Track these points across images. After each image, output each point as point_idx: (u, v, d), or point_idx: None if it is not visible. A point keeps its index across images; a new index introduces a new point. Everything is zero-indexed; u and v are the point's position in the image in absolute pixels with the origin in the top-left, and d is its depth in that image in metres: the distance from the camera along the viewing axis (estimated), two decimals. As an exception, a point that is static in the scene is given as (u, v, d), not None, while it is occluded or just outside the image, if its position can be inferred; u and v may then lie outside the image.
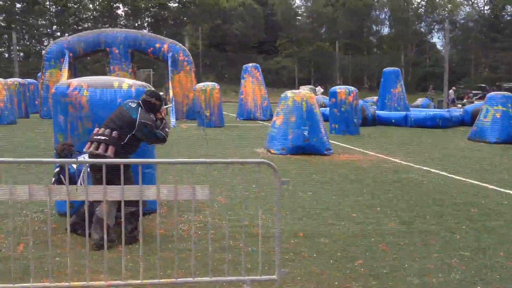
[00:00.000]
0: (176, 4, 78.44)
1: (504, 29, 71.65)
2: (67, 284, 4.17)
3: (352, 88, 19.94)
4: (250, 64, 28.82)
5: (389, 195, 8.77)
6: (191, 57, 27.99)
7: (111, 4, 74.56)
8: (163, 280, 4.34)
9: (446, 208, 7.86)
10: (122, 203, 4.15)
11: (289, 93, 14.38)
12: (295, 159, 12.95)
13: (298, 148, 13.61)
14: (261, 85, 28.01)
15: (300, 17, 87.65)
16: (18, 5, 71.56)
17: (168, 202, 7.36)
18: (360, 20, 79.26)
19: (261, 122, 26.02)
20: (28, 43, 74.24)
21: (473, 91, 48.40)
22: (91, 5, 76.35)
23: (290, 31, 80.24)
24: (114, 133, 5.71)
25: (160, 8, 75.93)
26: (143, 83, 7.04)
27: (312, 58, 75.63)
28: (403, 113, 24.56)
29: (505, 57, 65.31)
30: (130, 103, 5.94)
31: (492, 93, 19.21)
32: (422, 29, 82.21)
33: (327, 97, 28.81)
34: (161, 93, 6.50)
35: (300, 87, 44.95)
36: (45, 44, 71.32)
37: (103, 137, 5.71)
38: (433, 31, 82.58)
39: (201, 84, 23.50)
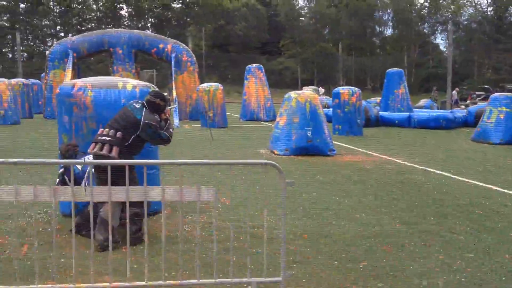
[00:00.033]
0: (180, 5, 78.50)
1: (507, 30, 71.51)
2: (72, 285, 4.17)
3: (356, 89, 19.92)
4: (254, 65, 28.80)
5: (392, 196, 8.75)
6: (195, 58, 28.00)
7: (115, 4, 74.61)
8: (168, 281, 4.33)
9: (449, 209, 7.85)
10: (127, 204, 4.13)
11: (292, 94, 14.37)
12: (299, 160, 12.94)
13: (301, 149, 13.60)
14: (265, 86, 27.98)
15: (303, 18, 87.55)
16: (22, 6, 71.70)
17: (171, 203, 7.35)
18: (363, 21, 79.18)
19: (264, 122, 25.99)
20: (31, 43, 74.40)
21: (476, 92, 48.32)
22: (94, 6, 76.43)
23: (293, 32, 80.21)
24: (119, 134, 5.70)
25: (164, 9, 75.99)
26: (147, 83, 7.04)
27: (315, 59, 75.64)
28: (407, 114, 24.52)
29: (508, 58, 65.25)
30: (134, 104, 5.94)
31: (496, 94, 19.17)
32: (425, 30, 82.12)
33: (330, 98, 28.84)
34: (165, 94, 6.49)
35: (303, 87, 44.93)
36: (48, 44, 71.41)
37: (107, 138, 5.70)
38: (436, 32, 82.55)
39: (204, 85, 23.49)
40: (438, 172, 11.34)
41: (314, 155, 13.46)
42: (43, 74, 29.59)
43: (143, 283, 4.25)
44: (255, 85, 27.64)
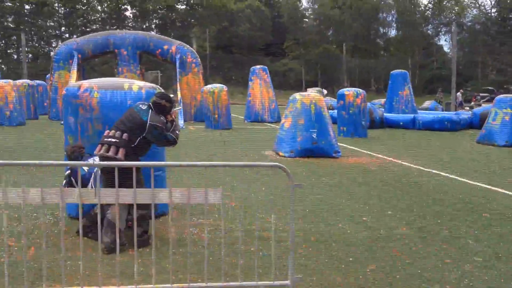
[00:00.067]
0: (184, 6, 78.63)
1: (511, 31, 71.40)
2: (79, 288, 4.16)
3: (360, 90, 19.89)
4: (258, 66, 28.81)
5: (399, 198, 8.73)
6: (199, 59, 28.01)
7: (119, 6, 74.76)
8: (175, 284, 4.31)
9: (455, 212, 7.81)
10: (135, 206, 4.13)
11: (297, 95, 14.34)
12: (304, 161, 12.92)
13: (306, 150, 13.58)
14: (269, 88, 27.98)
15: (307, 20, 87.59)
16: (27, 7, 71.86)
17: (177, 205, 7.34)
18: (367, 22, 79.20)
19: (269, 124, 25.99)
20: (36, 44, 74.59)
21: (481, 94, 48.23)
22: (99, 7, 76.59)
23: (297, 33, 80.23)
24: (125, 135, 5.69)
25: (168, 10, 76.09)
26: (153, 85, 7.04)
27: (319, 60, 75.63)
28: (411, 115, 24.49)
29: (512, 59, 65.13)
30: (140, 105, 5.93)
31: (501, 96, 19.13)
32: (429, 32, 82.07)
33: (334, 99, 28.81)
34: (171, 95, 6.48)
35: (307, 89, 44.93)
36: (53, 45, 71.64)
37: (113, 140, 5.69)
38: (440, 34, 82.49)
39: (209, 86, 23.50)
40: (443, 174, 11.31)
41: (319, 157, 13.44)
42: (48, 75, 29.65)
43: (151, 286, 4.23)
44: (260, 86, 27.65)
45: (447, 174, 11.27)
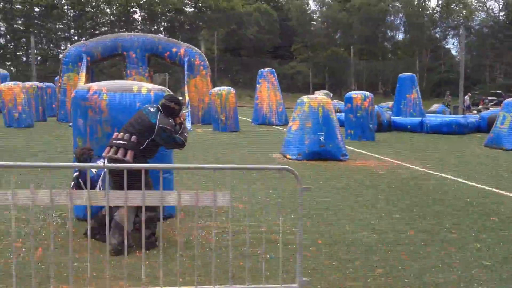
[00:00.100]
0: (192, 9, 78.86)
1: (520, 35, 71.20)
2: (87, 289, 4.18)
3: (368, 93, 19.85)
4: (266, 69, 28.85)
5: (406, 201, 8.71)
6: (207, 62, 28.06)
7: (128, 8, 75.07)
8: (183, 287, 4.32)
9: (464, 216, 7.78)
10: (143, 209, 4.14)
11: (305, 98, 14.35)
12: (311, 164, 12.92)
13: (314, 153, 13.58)
14: (277, 90, 28.01)
15: (315, 22, 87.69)
16: (37, 9, 72.30)
17: (184, 207, 7.35)
18: (375, 25, 79.17)
19: (276, 127, 26.01)
20: (45, 46, 75.06)
21: (489, 97, 48.13)
22: (108, 10, 76.99)
23: (305, 36, 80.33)
24: (133, 138, 5.71)
25: (176, 13, 76.37)
26: (162, 87, 7.06)
27: (326, 63, 75.71)
28: (419, 119, 24.44)
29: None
30: (149, 108, 5.94)
31: (509, 99, 19.05)
32: (437, 35, 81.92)
33: (342, 102, 28.82)
34: (180, 98, 6.50)
35: (315, 92, 44.95)
36: (62, 48, 72.11)
37: (122, 142, 5.70)
38: (448, 37, 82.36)
39: (217, 89, 23.56)
40: (451, 177, 11.28)
41: (326, 160, 13.43)
42: (57, 78, 29.77)
43: (158, 288, 4.25)
44: (267, 89, 27.69)
45: (455, 178, 11.24)
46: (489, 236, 6.69)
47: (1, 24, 71.83)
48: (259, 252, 5.64)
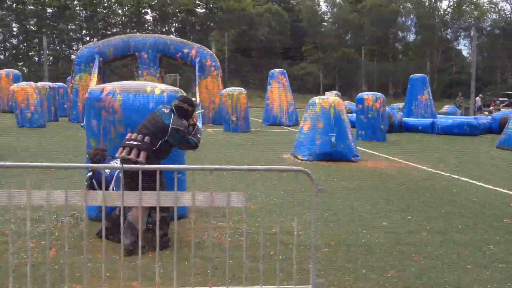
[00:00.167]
0: (203, 10, 79.00)
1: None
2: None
3: (379, 94, 19.82)
4: (277, 70, 28.87)
5: (418, 203, 8.69)
6: (219, 63, 28.10)
7: (140, 9, 75.35)
8: (197, 287, 4.34)
9: (477, 217, 7.76)
10: (158, 209, 4.17)
11: (317, 99, 14.35)
12: (322, 165, 12.91)
13: (325, 154, 13.57)
14: (287, 91, 28.03)
15: (325, 23, 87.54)
16: (49, 10, 72.74)
17: (196, 208, 7.36)
18: (386, 26, 78.91)
19: (287, 127, 26.02)
20: (58, 47, 75.47)
21: (500, 99, 47.85)
22: (120, 11, 77.30)
23: (315, 37, 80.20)
24: (146, 139, 5.73)
25: (188, 14, 76.52)
26: (176, 88, 7.09)
27: (337, 64, 75.55)
28: (430, 120, 24.37)
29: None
30: (163, 109, 5.97)
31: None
32: (448, 36, 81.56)
33: (353, 103, 28.75)
34: (193, 99, 6.52)
35: (326, 93, 44.89)
36: (74, 48, 72.54)
37: (135, 142, 5.72)
38: (459, 38, 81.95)
39: (228, 89, 23.61)
40: (463, 179, 11.25)
41: (337, 161, 13.43)
42: (69, 78, 29.91)
43: (172, 288, 4.26)
44: (278, 90, 27.72)
45: (466, 179, 11.21)
46: (502, 238, 6.67)
47: (14, 25, 72.36)
48: (271, 253, 5.66)
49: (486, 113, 36.96)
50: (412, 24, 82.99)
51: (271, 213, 7.59)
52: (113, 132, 6.61)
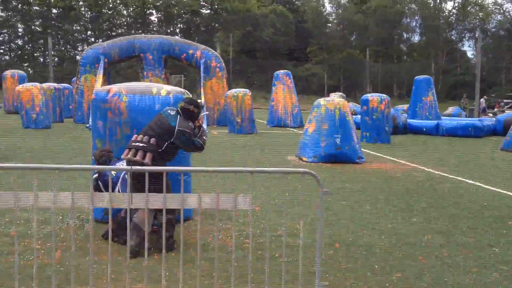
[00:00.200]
0: (208, 11, 79.09)
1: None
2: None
3: (384, 96, 19.80)
4: (282, 71, 28.87)
5: (423, 205, 8.69)
6: (223, 64, 28.13)
7: (145, 10, 75.51)
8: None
9: (482, 219, 7.75)
10: (164, 211, 4.17)
11: (322, 101, 14.35)
12: (327, 167, 12.91)
13: (330, 156, 13.57)
14: (292, 93, 28.02)
15: (330, 24, 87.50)
16: (54, 11, 72.95)
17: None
18: (391, 27, 78.88)
19: (291, 129, 26.01)
20: (63, 48, 75.70)
21: (504, 100, 47.76)
22: (125, 11, 77.44)
23: (320, 38, 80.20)
24: (152, 140, 5.74)
25: (193, 15, 76.62)
26: (182, 89, 7.10)
27: (342, 65, 75.56)
28: (435, 121, 24.33)
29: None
30: (169, 111, 5.97)
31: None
32: (453, 37, 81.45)
33: (357, 104, 28.74)
34: (199, 101, 6.53)
35: (330, 94, 44.87)
36: (79, 49, 72.73)
37: (141, 144, 5.73)
38: (464, 39, 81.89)
39: (233, 91, 23.60)
40: (468, 181, 11.24)
41: (342, 163, 13.42)
42: (74, 79, 29.96)
43: (178, 290, 4.26)
44: (283, 91, 27.73)
45: (471, 181, 11.19)
46: (506, 240, 6.66)
47: (19, 26, 72.61)
48: (276, 255, 5.67)
49: (491, 114, 36.90)
50: (417, 25, 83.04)
51: (276, 214, 7.59)
52: (119, 134, 6.62)
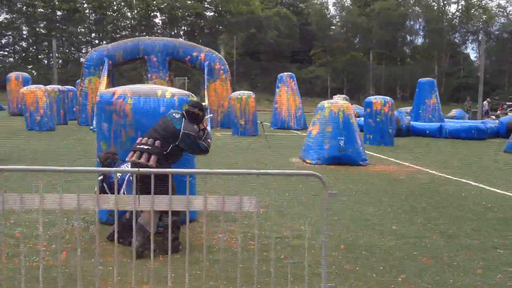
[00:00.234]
0: (212, 13, 79.20)
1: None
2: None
3: (388, 98, 19.80)
4: (285, 74, 28.88)
5: (427, 207, 8.70)
6: (227, 66, 28.17)
7: (149, 12, 75.64)
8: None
9: (486, 221, 7.76)
10: (170, 213, 4.19)
11: (326, 103, 14.35)
12: (331, 169, 12.91)
13: (334, 158, 13.57)
14: (296, 95, 28.02)
15: (334, 27, 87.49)
16: (59, 13, 73.12)
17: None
18: (394, 30, 78.83)
19: (295, 131, 26.02)
20: (67, 50, 75.85)
21: (507, 103, 47.68)
22: (129, 14, 77.59)
23: (324, 40, 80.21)
24: (157, 143, 5.75)
25: (197, 17, 76.76)
26: (187, 92, 7.12)
27: (345, 67, 75.56)
28: (438, 124, 24.33)
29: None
30: (174, 114, 5.99)
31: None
32: (456, 40, 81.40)
33: (360, 107, 28.73)
34: (203, 103, 6.55)
35: (333, 96, 44.87)
36: (83, 51, 72.88)
37: (146, 147, 5.74)
38: (467, 42, 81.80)
39: (236, 93, 23.62)
40: (470, 183, 11.24)
41: (346, 165, 13.43)
42: (78, 81, 30.03)
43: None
44: (287, 94, 27.73)
45: (474, 183, 11.19)
46: (510, 242, 6.66)
47: (24, 28, 72.77)
48: (282, 257, 5.68)
49: (493, 117, 36.85)
50: (420, 27, 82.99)
51: (280, 216, 7.60)
52: (123, 136, 6.63)
